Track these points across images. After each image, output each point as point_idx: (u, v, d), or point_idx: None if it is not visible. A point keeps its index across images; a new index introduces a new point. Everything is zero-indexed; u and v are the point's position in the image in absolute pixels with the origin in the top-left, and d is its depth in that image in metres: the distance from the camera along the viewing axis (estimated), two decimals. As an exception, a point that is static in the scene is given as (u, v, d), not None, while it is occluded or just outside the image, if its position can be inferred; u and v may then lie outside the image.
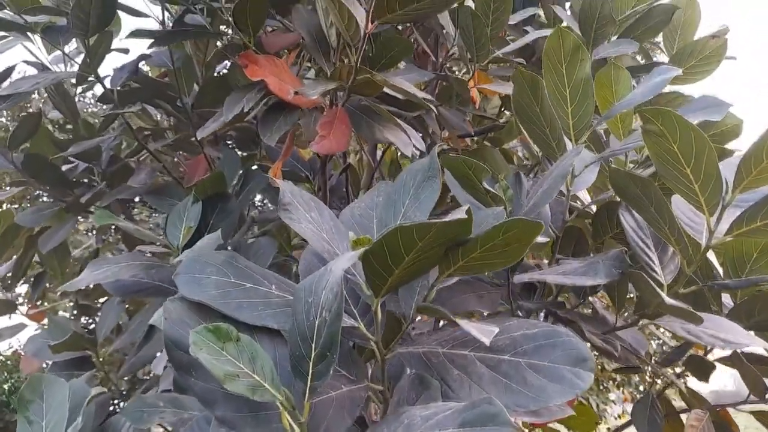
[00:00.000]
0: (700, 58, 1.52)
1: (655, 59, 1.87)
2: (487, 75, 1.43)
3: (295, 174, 1.63)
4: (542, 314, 1.00)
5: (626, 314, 1.04)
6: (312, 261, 0.71)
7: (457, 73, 1.82)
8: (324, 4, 0.92)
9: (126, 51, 2.00)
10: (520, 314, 0.91)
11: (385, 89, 1.03)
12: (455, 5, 1.11)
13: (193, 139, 1.68)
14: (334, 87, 0.95)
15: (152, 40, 1.28)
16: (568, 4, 1.72)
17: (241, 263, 0.68)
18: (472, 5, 1.16)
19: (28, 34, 1.48)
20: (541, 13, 1.77)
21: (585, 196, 1.13)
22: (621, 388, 5.95)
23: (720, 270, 0.96)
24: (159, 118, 2.03)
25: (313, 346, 0.54)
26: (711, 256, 0.91)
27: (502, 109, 1.85)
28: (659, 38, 1.67)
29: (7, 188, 1.72)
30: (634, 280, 0.78)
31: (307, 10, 1.10)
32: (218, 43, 1.30)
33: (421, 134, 1.63)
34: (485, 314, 0.89)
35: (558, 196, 0.94)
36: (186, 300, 0.62)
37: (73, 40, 1.51)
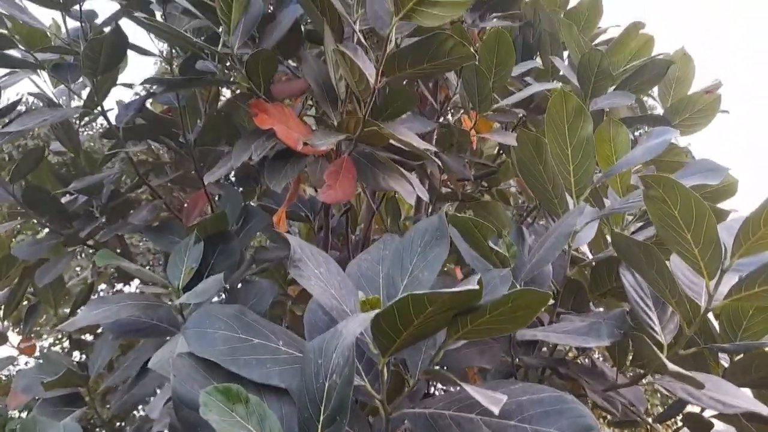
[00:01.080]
0: (694, 111, 1.56)
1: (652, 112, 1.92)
2: (486, 121, 1.47)
3: (295, 213, 1.65)
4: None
5: (625, 369, 1.04)
6: (318, 316, 0.72)
7: (454, 115, 1.86)
8: (334, 58, 0.95)
9: (131, 86, 2.02)
10: (521, 367, 0.91)
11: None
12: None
13: (194, 172, 1.70)
14: (342, 138, 0.97)
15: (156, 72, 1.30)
16: (566, 53, 1.77)
17: (249, 317, 0.68)
18: (476, 60, 1.19)
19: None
20: (539, 60, 1.83)
21: (585, 250, 1.15)
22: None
23: (716, 326, 0.97)
24: (160, 152, 2.05)
25: (323, 409, 0.54)
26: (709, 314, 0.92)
27: (500, 151, 1.89)
28: (654, 90, 1.73)
29: (5, 222, 1.72)
30: (636, 341, 0.79)
31: (315, 59, 1.13)
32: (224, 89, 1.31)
33: (419, 177, 1.66)
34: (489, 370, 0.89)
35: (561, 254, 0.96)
36: (194, 355, 0.63)
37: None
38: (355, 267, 0.78)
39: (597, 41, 1.87)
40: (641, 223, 1.10)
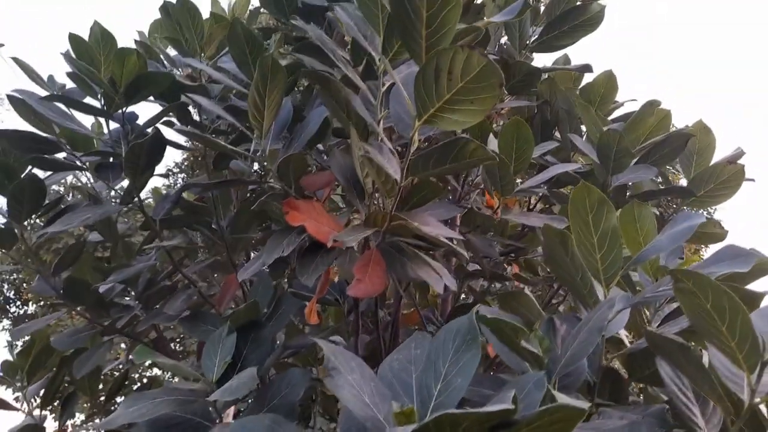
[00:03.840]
0: (718, 182, 1.56)
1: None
2: (510, 198, 1.50)
3: (324, 297, 1.67)
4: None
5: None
6: (354, 423, 0.72)
7: (477, 193, 1.89)
8: (361, 159, 0.99)
9: (167, 176, 2.11)
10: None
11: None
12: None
13: (226, 258, 1.74)
14: (370, 233, 1.00)
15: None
16: (584, 127, 1.81)
17: (282, 428, 0.69)
18: (496, 145, 1.23)
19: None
20: (557, 134, 1.87)
21: (622, 334, 1.13)
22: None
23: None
24: (194, 238, 2.11)
25: None
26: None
27: (524, 228, 1.90)
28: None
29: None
30: (679, 439, 0.77)
31: (342, 154, 1.18)
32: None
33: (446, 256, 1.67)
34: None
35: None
36: (232, 471, 0.63)
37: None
38: (387, 368, 0.79)
39: (615, 116, 1.91)
40: (676, 304, 1.09)
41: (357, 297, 0.96)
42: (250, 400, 1.64)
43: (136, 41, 1.82)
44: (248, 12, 2.05)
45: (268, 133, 1.08)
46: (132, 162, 1.32)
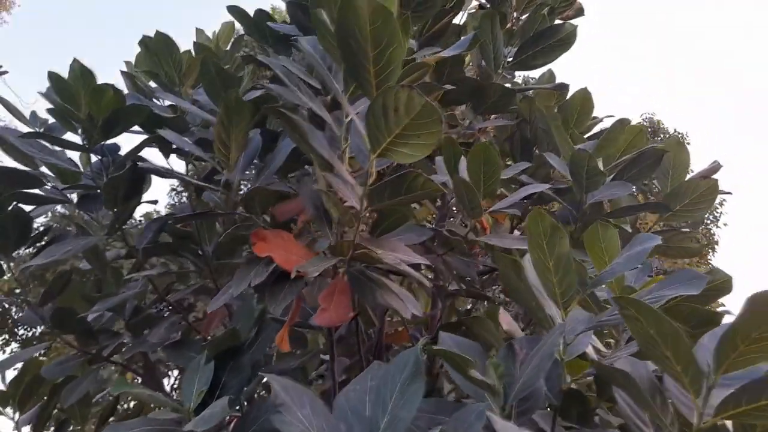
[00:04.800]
0: (694, 196, 1.57)
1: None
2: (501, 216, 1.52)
3: (303, 322, 1.68)
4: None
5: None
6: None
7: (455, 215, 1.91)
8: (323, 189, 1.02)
9: (155, 202, 2.15)
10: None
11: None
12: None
13: (211, 284, 1.77)
14: (334, 263, 1.02)
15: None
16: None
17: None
18: (465, 173, 1.25)
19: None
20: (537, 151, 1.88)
21: (591, 353, 1.14)
22: None
23: None
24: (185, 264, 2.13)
25: None
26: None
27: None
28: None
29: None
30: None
31: (311, 183, 1.20)
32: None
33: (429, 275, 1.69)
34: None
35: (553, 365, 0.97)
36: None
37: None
38: (343, 399, 0.80)
39: (593, 132, 1.93)
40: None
41: (321, 326, 0.97)
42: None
43: (122, 72, 1.87)
44: (233, 39, 2.09)
45: (236, 165, 1.11)
46: (111, 194, 1.35)
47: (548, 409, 0.98)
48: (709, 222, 15.42)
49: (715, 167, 1.65)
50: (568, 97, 1.88)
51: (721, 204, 15.38)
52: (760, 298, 0.67)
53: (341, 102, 0.96)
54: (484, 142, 1.20)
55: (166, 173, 1.16)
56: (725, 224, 15.13)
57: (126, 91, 1.78)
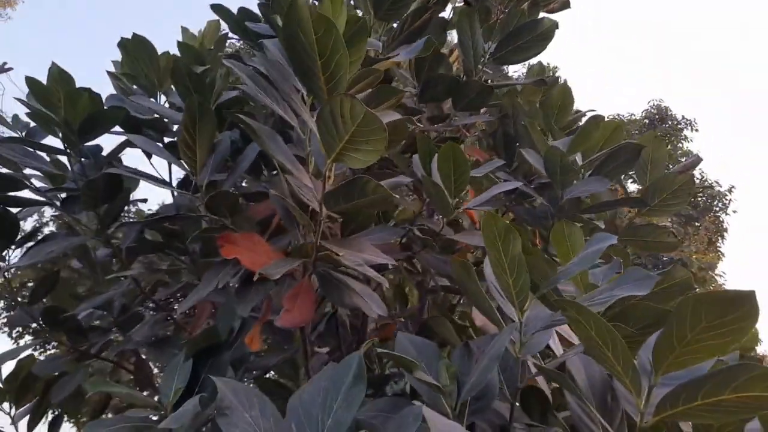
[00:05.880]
0: (671, 191, 1.58)
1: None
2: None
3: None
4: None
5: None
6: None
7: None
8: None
9: (145, 200, 2.18)
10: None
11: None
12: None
13: (195, 280, 1.79)
14: (297, 264, 1.04)
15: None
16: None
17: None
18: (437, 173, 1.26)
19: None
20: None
21: (557, 348, 1.16)
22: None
23: None
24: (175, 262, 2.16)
25: None
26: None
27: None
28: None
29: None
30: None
31: (280, 184, 1.22)
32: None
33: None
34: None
35: (512, 363, 0.99)
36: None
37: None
38: (297, 400, 0.82)
39: (576, 126, 1.93)
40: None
41: (284, 327, 1.00)
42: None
43: (108, 73, 1.89)
44: (218, 37, 2.11)
45: (203, 169, 1.13)
46: (89, 196, 1.37)
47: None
48: (718, 210, 15.30)
49: (695, 161, 1.65)
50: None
51: (730, 191, 15.26)
52: (690, 301, 0.68)
53: (299, 106, 0.97)
54: (450, 142, 1.21)
55: (136, 176, 1.18)
56: (734, 211, 15.01)
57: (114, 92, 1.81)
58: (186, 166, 1.16)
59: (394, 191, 1.45)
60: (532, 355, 1.00)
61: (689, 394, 0.73)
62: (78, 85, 1.35)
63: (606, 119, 1.58)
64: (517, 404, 1.09)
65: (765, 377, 0.66)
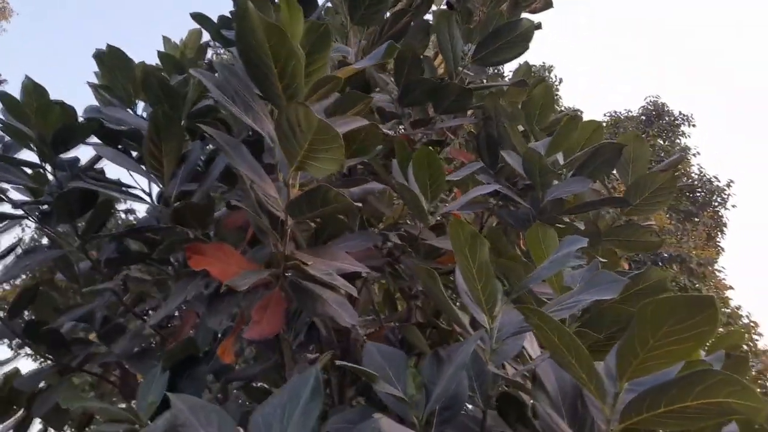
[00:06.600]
0: (653, 190, 1.56)
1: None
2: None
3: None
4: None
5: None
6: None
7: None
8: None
9: (132, 211, 2.16)
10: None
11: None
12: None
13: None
14: (266, 275, 1.03)
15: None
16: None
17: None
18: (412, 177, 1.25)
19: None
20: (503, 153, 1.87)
21: (536, 353, 1.14)
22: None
23: None
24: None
25: None
26: None
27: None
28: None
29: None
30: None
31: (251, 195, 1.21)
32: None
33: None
34: None
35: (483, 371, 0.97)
36: None
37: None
38: (259, 414, 0.81)
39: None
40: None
41: (253, 339, 0.98)
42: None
43: (89, 84, 1.89)
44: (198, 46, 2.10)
45: (172, 180, 1.11)
46: (63, 209, 1.36)
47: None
48: (717, 204, 15.28)
49: (678, 159, 1.63)
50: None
51: (728, 185, 15.23)
52: (650, 306, 0.67)
53: (261, 116, 0.96)
54: (424, 147, 1.20)
55: (104, 189, 1.17)
56: (734, 206, 14.99)
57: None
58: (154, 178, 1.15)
59: (371, 197, 1.44)
60: (504, 361, 0.99)
61: (652, 401, 0.71)
62: (73, 89, 1.35)
63: (585, 119, 1.57)
64: (494, 412, 1.08)
65: (727, 383, 0.65)
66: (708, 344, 1.51)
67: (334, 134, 0.77)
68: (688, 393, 0.68)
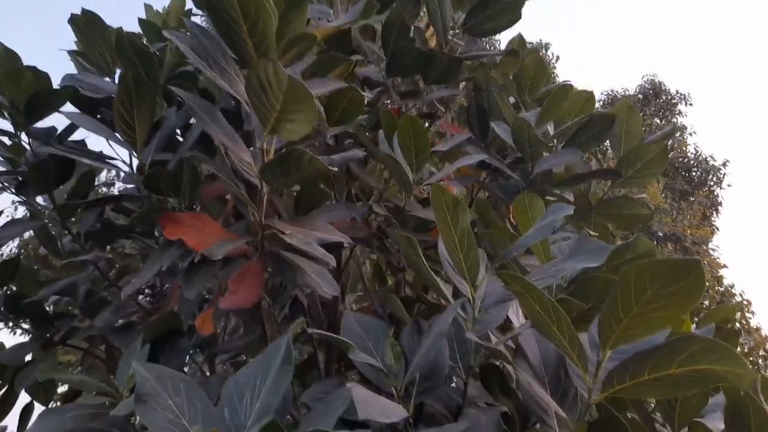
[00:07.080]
0: (645, 161, 1.53)
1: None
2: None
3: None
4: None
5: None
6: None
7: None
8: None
9: (113, 184, 2.11)
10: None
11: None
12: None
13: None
14: (241, 243, 1.00)
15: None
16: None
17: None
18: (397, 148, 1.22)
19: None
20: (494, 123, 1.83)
21: (521, 322, 1.12)
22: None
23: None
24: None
25: None
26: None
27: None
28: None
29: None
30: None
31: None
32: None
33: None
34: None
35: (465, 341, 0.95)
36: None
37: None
38: (232, 384, 0.79)
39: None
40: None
41: (228, 309, 0.96)
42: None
43: (69, 52, 1.83)
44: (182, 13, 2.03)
45: (147, 146, 1.07)
46: (38, 179, 1.32)
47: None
48: (712, 183, 15.27)
49: (671, 131, 1.60)
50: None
51: (724, 165, 15.21)
52: (633, 270, 0.64)
53: (234, 77, 0.92)
54: (408, 115, 1.16)
55: (79, 157, 1.13)
56: (729, 185, 14.98)
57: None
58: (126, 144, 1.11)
59: (361, 171, 1.40)
60: (488, 330, 0.96)
61: (636, 368, 0.69)
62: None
63: (577, 90, 1.53)
64: (479, 383, 1.06)
65: (711, 350, 0.63)
66: (698, 318, 1.49)
67: (305, 93, 0.73)
68: (673, 360, 0.65)
